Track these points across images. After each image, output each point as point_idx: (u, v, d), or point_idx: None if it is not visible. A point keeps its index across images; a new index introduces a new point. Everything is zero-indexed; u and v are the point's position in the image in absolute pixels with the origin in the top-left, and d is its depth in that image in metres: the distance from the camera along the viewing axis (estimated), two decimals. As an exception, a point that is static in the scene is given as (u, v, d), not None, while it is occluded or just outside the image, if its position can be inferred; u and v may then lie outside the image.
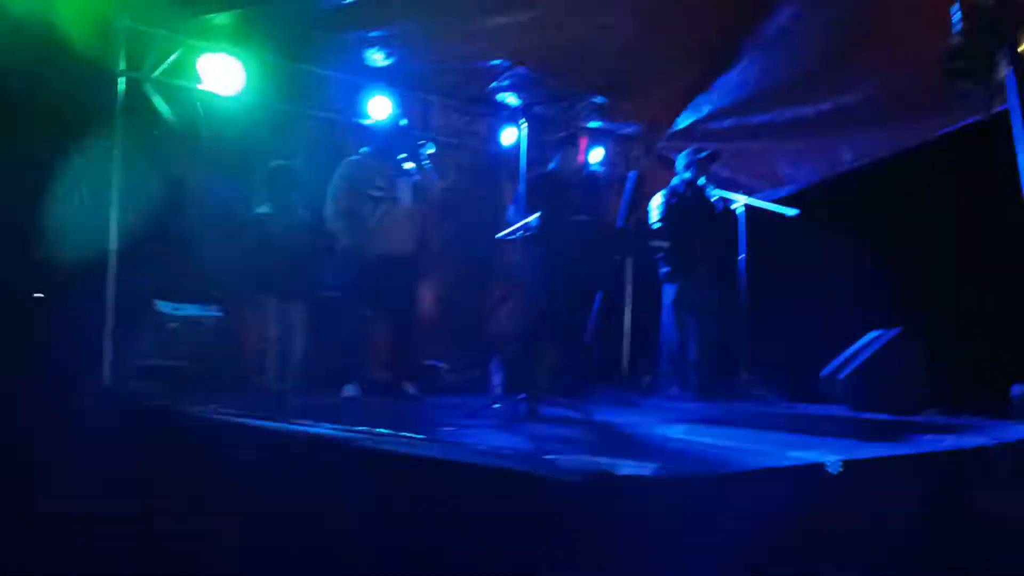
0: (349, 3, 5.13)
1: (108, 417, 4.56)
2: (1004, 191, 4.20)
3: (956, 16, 4.09)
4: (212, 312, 5.31)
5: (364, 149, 5.47)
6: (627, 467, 2.26)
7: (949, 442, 3.12)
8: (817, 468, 2.52)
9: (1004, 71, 4.00)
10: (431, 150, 5.39)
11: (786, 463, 2.54)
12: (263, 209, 5.36)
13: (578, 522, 2.10)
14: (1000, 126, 4.28)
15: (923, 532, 2.58)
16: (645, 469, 2.25)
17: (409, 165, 5.38)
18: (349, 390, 5.15)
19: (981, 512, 2.81)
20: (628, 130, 7.42)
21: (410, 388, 5.25)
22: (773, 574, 2.21)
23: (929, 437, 3.32)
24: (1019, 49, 4.02)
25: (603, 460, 2.36)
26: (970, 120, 5.39)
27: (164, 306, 5.14)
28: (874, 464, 2.67)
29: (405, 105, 6.10)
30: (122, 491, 4.00)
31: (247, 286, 5.29)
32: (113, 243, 5.13)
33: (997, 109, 4.40)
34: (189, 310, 5.23)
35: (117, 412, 4.61)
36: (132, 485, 3.96)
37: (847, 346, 4.92)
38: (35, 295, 6.14)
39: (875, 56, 5.55)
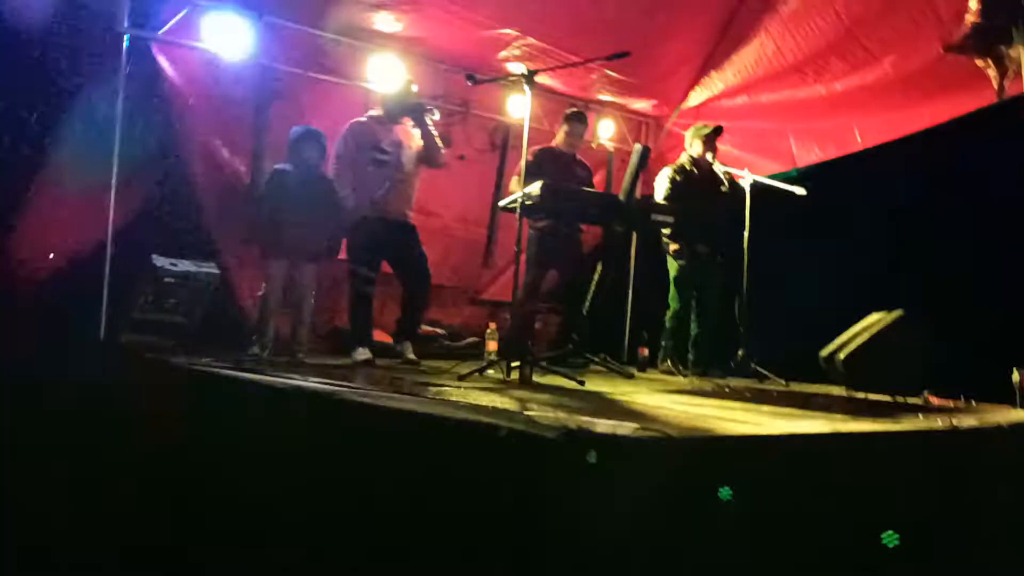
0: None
1: (103, 369, 4.58)
2: (1012, 176, 4.14)
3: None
4: (209, 269, 5.30)
5: (372, 112, 5.43)
6: (605, 425, 2.24)
7: (941, 422, 3.09)
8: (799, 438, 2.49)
9: (1019, 50, 3.91)
10: (436, 116, 5.35)
11: (768, 432, 2.51)
12: (283, 166, 5.31)
13: (554, 477, 2.09)
14: (1013, 110, 4.21)
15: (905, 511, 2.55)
16: (623, 428, 2.22)
17: (415, 130, 5.35)
18: (361, 353, 5.13)
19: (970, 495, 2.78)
20: (640, 105, 7.35)
21: (409, 352, 5.23)
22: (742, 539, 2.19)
23: (921, 417, 3.28)
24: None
25: (582, 419, 2.33)
26: (985, 105, 5.30)
27: (160, 261, 5.11)
28: (858, 439, 2.65)
29: (413, 72, 6.04)
30: (112, 438, 4.03)
31: (259, 247, 5.25)
32: (112, 199, 5.12)
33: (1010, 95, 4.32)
34: (186, 266, 5.21)
35: (112, 364, 4.63)
36: (125, 432, 3.99)
37: (847, 327, 4.87)
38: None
39: (891, 35, 5.47)
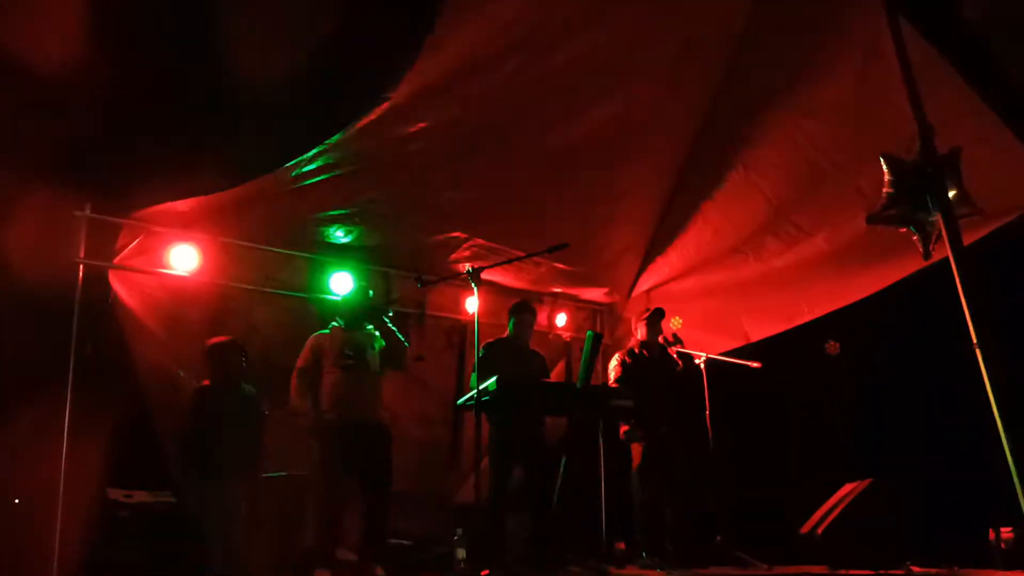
0: (307, 184, 5.30)
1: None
2: (958, 334, 4.21)
3: (884, 167, 4.24)
4: (165, 499, 5.07)
5: (335, 323, 5.48)
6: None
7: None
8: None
9: (936, 217, 4.09)
10: (390, 315, 5.42)
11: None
12: (202, 384, 5.23)
13: None
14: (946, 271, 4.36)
15: None
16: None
17: (377, 333, 5.39)
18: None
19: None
20: (592, 295, 7.51)
21: (380, 573, 4.99)
22: None
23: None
24: (949, 195, 4.14)
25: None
26: (916, 270, 5.49)
27: (115, 494, 4.89)
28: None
29: (366, 278, 6.16)
30: None
31: (192, 470, 5.07)
32: (66, 430, 4.98)
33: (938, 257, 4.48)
34: (141, 498, 4.98)
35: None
36: None
37: (823, 501, 4.78)
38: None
39: (820, 213, 5.75)
